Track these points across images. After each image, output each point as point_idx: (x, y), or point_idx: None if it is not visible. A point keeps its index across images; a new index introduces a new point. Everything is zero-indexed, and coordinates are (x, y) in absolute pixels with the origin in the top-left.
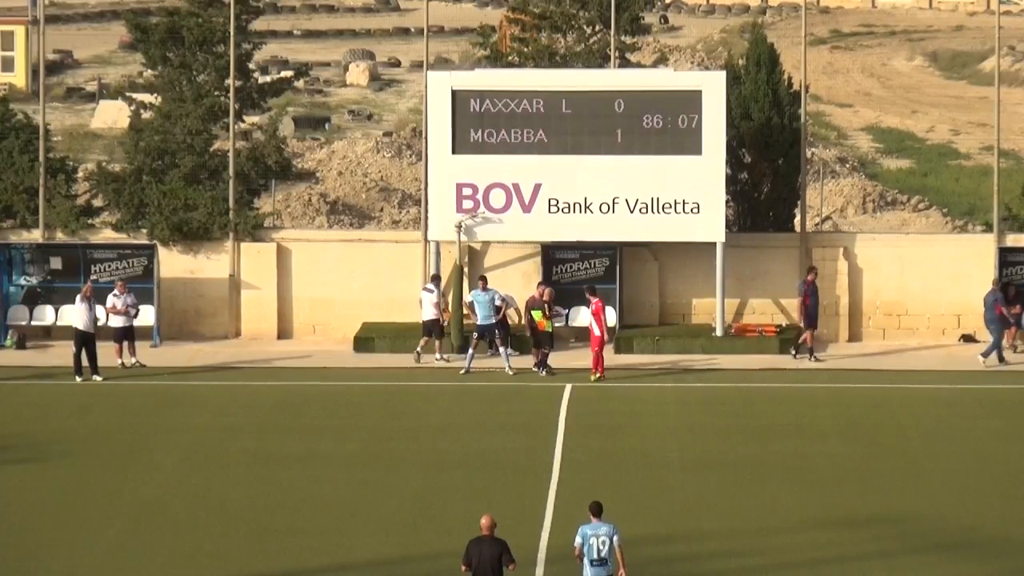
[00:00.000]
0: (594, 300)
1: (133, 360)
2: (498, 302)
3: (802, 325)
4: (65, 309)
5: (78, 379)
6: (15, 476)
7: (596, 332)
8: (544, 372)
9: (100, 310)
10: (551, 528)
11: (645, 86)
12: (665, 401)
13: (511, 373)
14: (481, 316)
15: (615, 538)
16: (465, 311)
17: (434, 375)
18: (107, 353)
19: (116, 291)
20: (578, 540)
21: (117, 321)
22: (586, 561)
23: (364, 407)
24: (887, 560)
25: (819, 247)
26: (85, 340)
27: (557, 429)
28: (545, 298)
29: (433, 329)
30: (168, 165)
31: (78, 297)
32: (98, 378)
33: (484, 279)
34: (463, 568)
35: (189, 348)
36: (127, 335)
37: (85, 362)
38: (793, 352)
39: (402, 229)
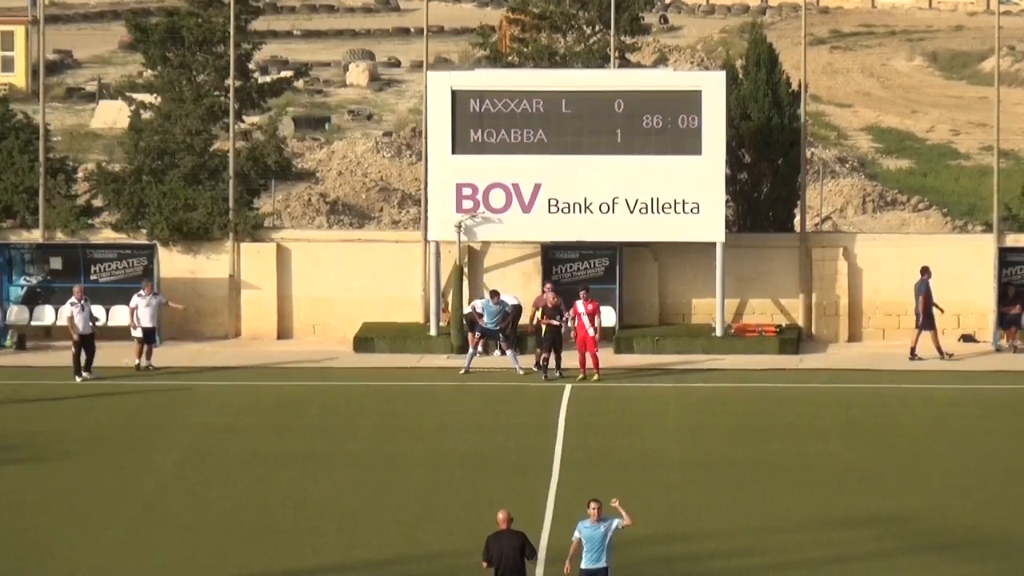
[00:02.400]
0: (590, 301)
1: (147, 363)
2: (507, 309)
3: (919, 327)
4: (65, 310)
5: (78, 379)
6: (15, 476)
7: (591, 332)
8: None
9: (98, 310)
10: (551, 528)
11: (645, 86)
12: (665, 401)
13: (521, 372)
14: (488, 321)
15: None
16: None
17: (434, 375)
18: (108, 353)
19: (142, 291)
20: (602, 529)
21: (144, 320)
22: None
23: (364, 407)
24: (887, 560)
25: (819, 247)
26: (84, 340)
27: (557, 429)
28: (550, 303)
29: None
30: (168, 165)
31: (69, 304)
32: (87, 374)
33: (497, 293)
34: (484, 565)
35: (189, 348)
36: (149, 338)
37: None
38: (919, 357)
39: (402, 229)
